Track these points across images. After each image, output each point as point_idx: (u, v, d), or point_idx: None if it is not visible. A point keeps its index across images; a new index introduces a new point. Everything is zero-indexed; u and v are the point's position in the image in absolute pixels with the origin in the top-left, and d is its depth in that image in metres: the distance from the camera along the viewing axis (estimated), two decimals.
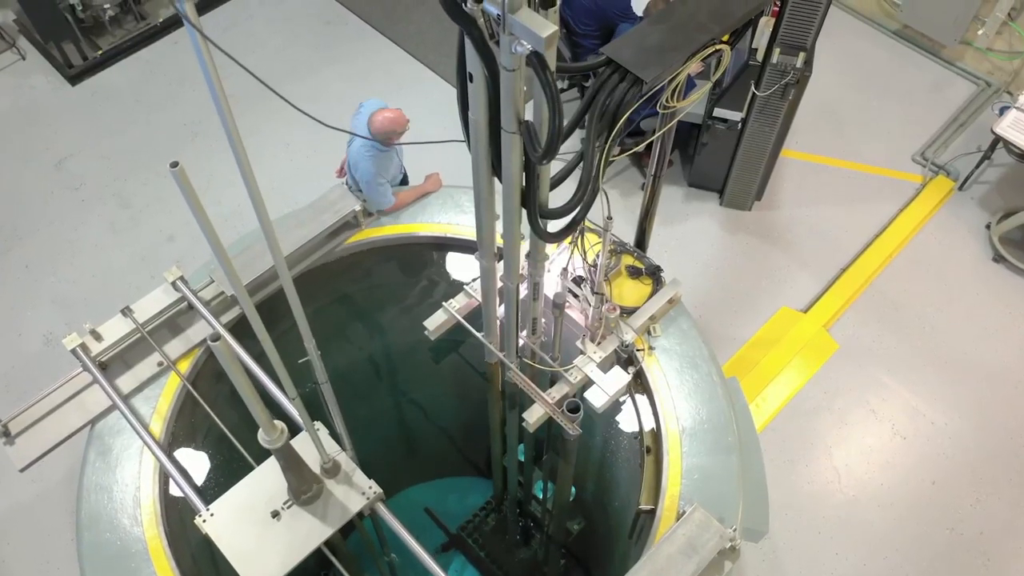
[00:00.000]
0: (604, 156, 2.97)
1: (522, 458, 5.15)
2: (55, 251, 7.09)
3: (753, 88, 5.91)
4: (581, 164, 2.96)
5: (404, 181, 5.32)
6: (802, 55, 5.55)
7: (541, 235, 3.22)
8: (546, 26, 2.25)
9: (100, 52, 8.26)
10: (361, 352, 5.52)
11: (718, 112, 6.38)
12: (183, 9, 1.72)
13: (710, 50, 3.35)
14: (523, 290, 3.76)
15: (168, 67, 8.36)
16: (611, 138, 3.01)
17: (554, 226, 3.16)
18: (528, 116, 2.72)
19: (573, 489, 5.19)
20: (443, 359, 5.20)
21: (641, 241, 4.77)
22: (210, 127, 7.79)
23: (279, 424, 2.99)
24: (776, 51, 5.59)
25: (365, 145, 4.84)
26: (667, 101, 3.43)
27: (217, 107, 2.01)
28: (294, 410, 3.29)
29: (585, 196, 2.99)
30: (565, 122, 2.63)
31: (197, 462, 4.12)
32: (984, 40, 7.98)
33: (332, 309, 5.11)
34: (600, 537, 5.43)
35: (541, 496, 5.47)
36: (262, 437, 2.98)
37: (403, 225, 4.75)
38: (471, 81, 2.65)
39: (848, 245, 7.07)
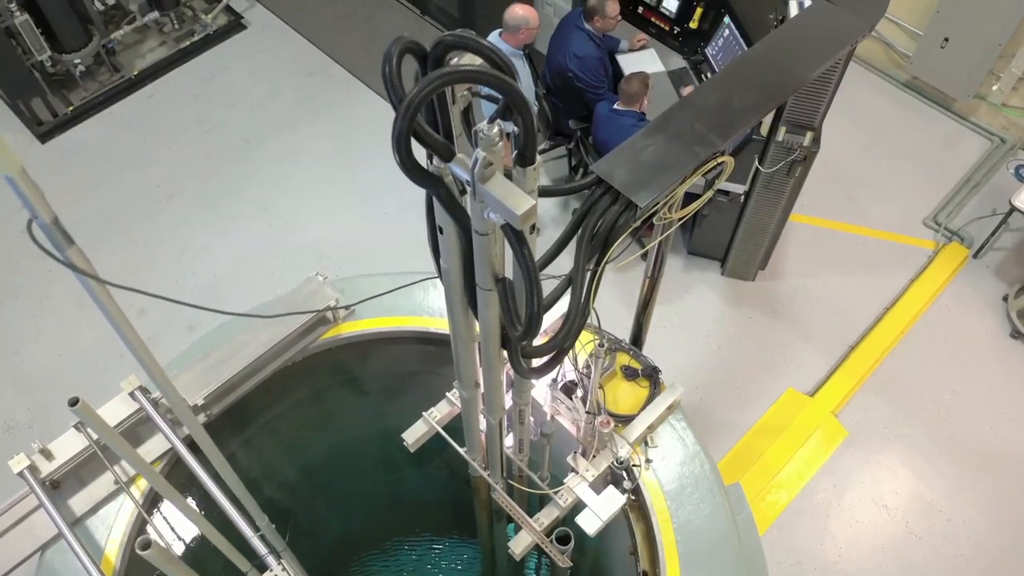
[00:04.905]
0: (595, 281, 2.68)
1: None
2: (19, 327, 6.69)
3: (757, 164, 5.56)
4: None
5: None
6: (810, 134, 5.20)
7: (524, 375, 2.93)
8: (523, 200, 1.90)
9: (71, 108, 7.93)
10: (346, 437, 5.23)
11: (719, 184, 6.02)
12: (68, 259, 1.44)
13: (711, 164, 3.12)
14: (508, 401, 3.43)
15: (141, 123, 8.02)
16: (603, 263, 2.75)
17: (538, 360, 2.83)
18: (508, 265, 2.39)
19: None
20: (427, 464, 4.93)
21: (637, 338, 4.50)
22: (185, 188, 7.44)
23: None
24: (782, 129, 5.24)
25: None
26: (664, 214, 3.22)
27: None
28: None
29: (574, 327, 2.70)
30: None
31: None
32: (999, 96, 7.63)
33: (309, 403, 4.77)
34: None
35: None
36: None
37: (381, 319, 4.39)
38: (441, 233, 2.32)
39: (857, 319, 6.69)
